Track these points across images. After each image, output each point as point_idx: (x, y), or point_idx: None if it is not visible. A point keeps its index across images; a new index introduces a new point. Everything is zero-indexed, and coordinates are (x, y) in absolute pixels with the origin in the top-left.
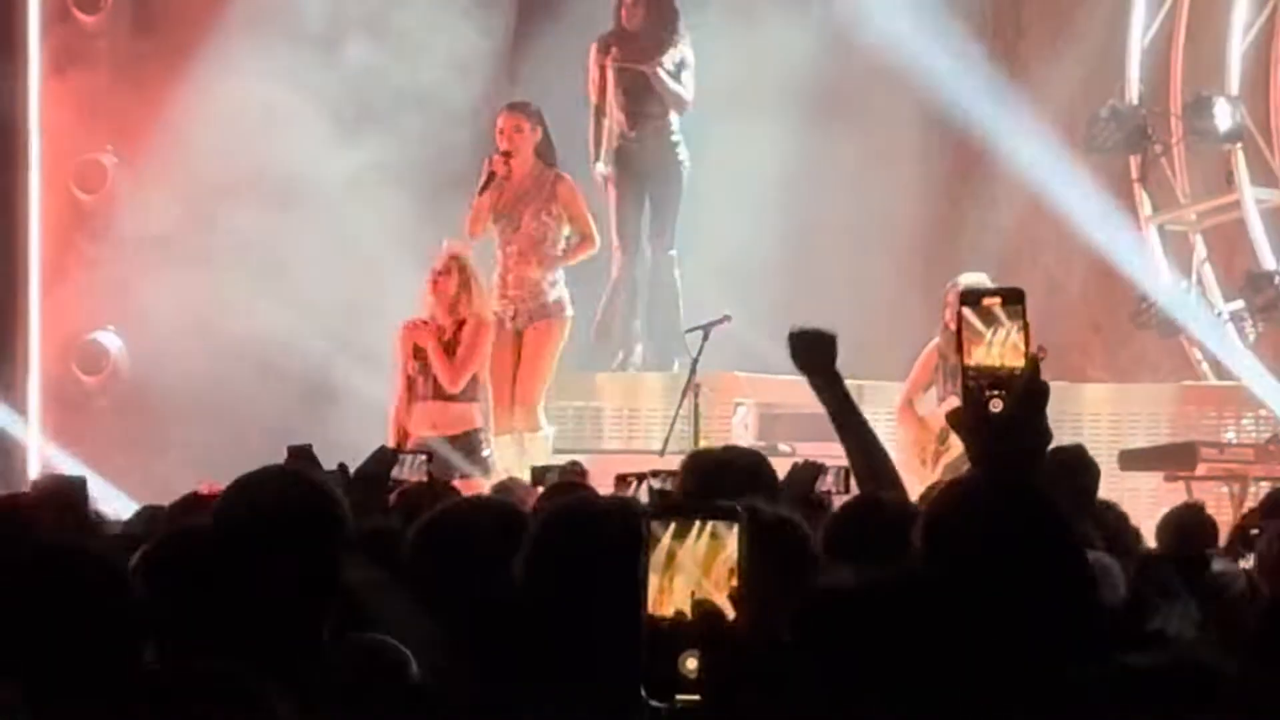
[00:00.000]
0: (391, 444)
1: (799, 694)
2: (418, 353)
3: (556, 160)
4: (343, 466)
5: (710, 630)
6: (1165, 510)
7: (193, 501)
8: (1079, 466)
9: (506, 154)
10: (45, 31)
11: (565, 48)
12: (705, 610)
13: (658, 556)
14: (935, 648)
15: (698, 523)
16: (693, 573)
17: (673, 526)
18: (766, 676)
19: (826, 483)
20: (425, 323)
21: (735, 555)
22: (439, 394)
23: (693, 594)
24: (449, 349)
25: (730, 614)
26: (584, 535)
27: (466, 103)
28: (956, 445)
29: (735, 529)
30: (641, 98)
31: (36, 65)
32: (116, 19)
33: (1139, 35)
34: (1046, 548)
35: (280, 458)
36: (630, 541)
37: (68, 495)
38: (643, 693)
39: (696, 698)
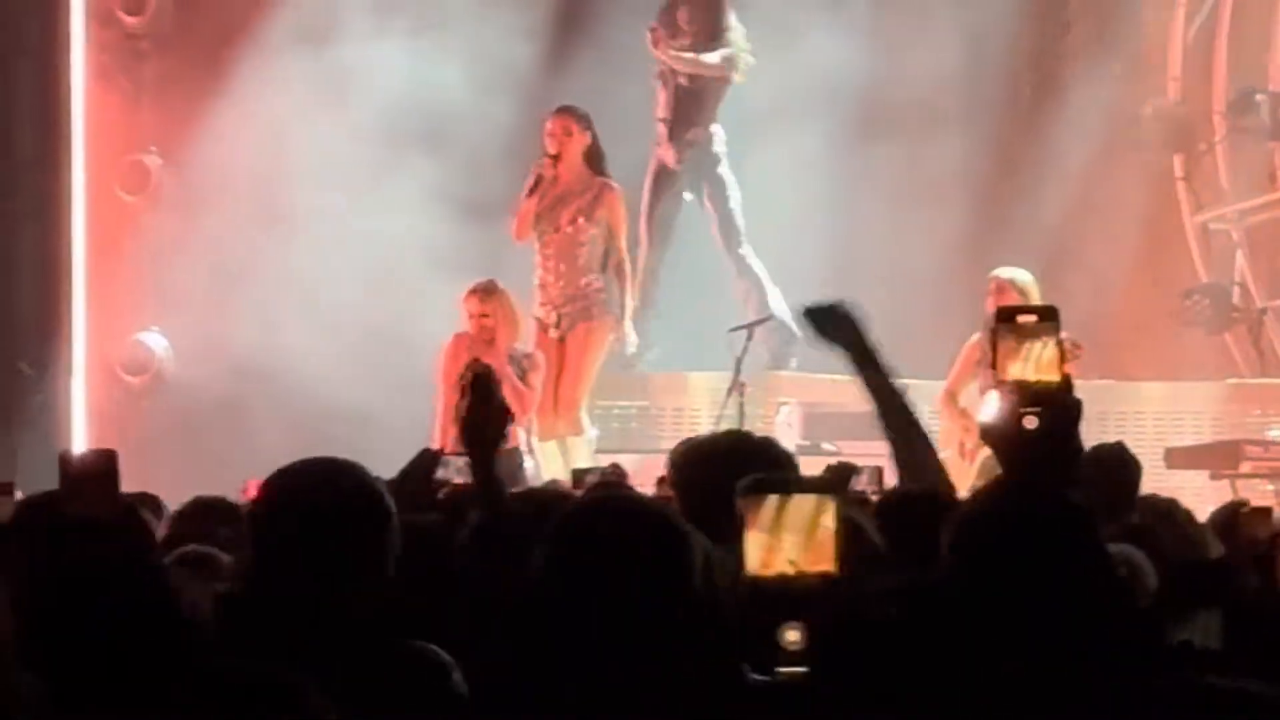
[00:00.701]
0: None
1: (907, 674)
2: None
3: (605, 168)
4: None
5: (818, 597)
6: (1211, 509)
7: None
8: (1119, 464)
9: (554, 157)
10: (89, 33)
11: (603, 69)
12: (811, 575)
13: (761, 522)
14: (959, 654)
15: (795, 497)
16: (794, 541)
17: (774, 499)
18: (871, 654)
19: (861, 482)
20: (472, 337)
21: (833, 528)
22: None
23: (792, 564)
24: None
25: (836, 581)
26: (602, 533)
27: (504, 124)
28: None
29: (832, 503)
30: (691, 104)
31: (80, 66)
32: (160, 20)
33: (1182, 33)
34: (1078, 560)
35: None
36: (655, 538)
37: (101, 470)
38: (743, 666)
39: (802, 669)
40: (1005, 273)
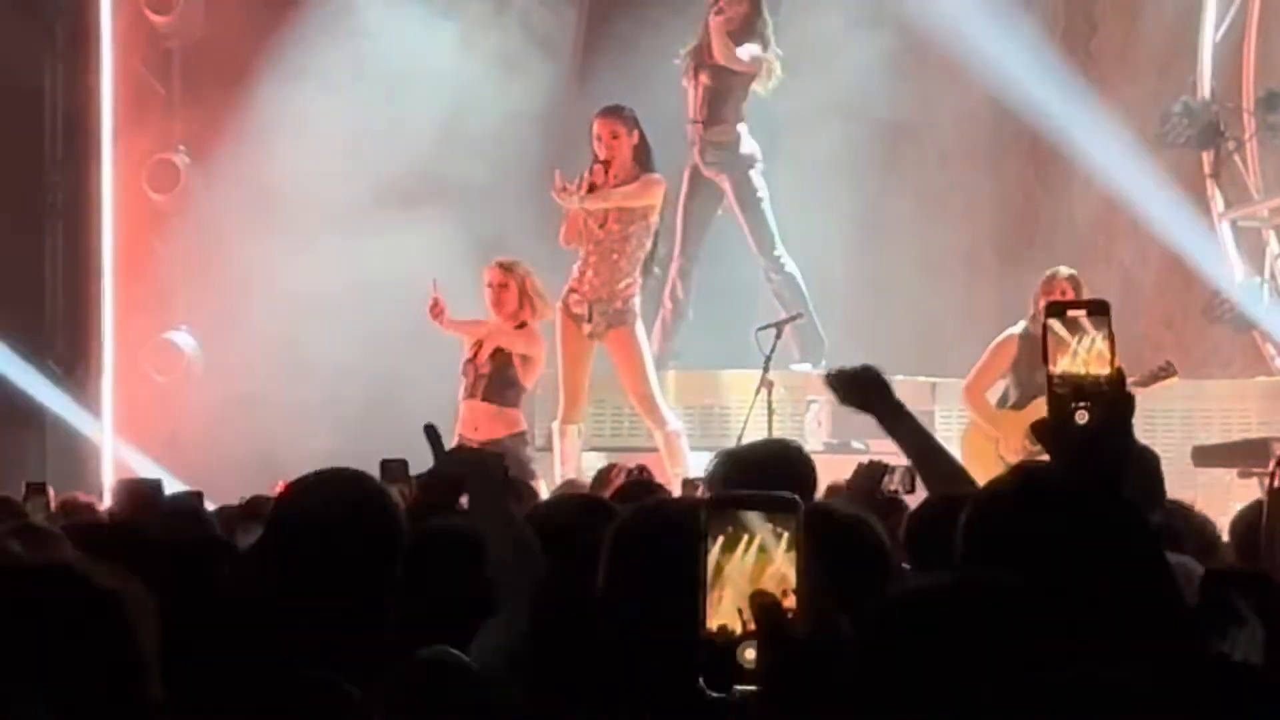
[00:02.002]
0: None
1: (859, 691)
2: (475, 355)
3: (654, 166)
4: (404, 463)
5: (769, 622)
6: (1239, 506)
7: (259, 503)
8: (1143, 460)
9: (606, 162)
10: (117, 32)
11: (628, 79)
12: (763, 602)
13: (713, 563)
14: (1012, 653)
15: (754, 523)
16: (745, 576)
17: (721, 539)
18: (825, 671)
19: (893, 481)
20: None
21: (793, 547)
22: (486, 395)
23: (753, 593)
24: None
25: (790, 606)
26: (661, 540)
27: (532, 122)
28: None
29: (793, 520)
30: (717, 103)
31: (109, 66)
32: (188, 20)
33: (1211, 30)
34: (1133, 556)
35: (353, 460)
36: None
37: (145, 497)
38: (700, 683)
39: (754, 688)
40: (1065, 270)
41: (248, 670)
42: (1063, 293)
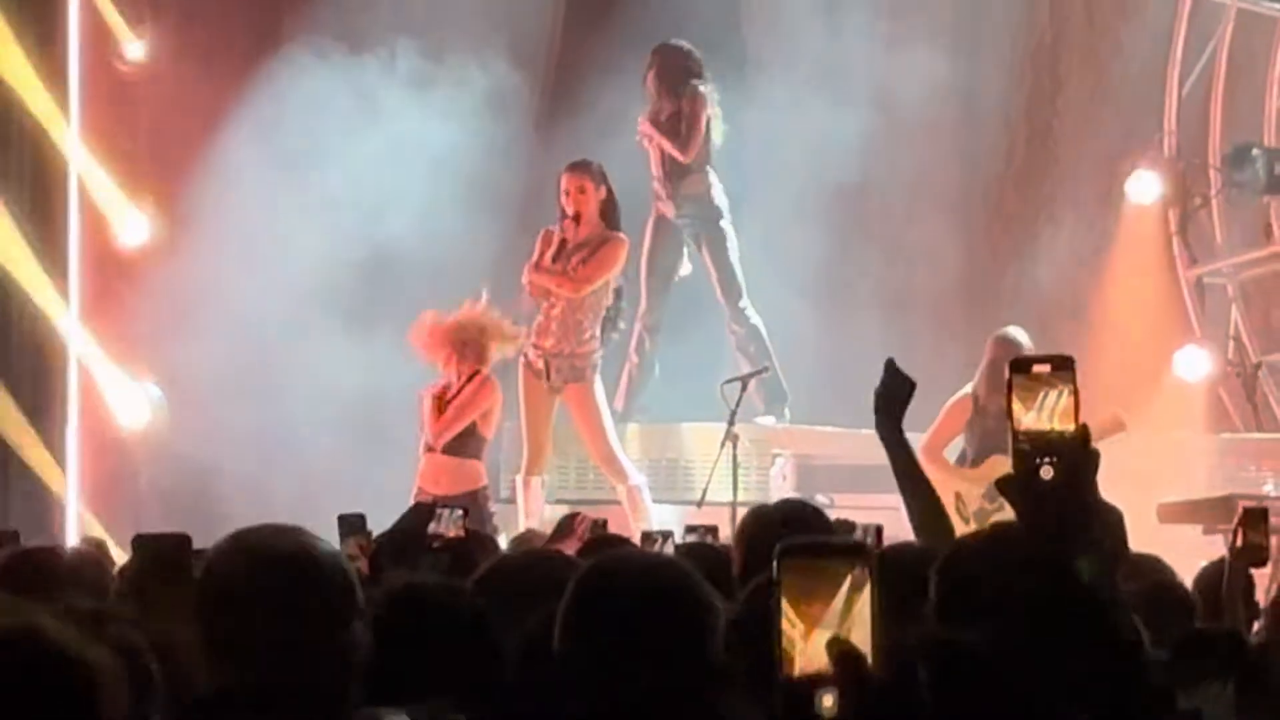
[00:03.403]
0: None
1: None
2: (434, 409)
3: (619, 223)
4: (361, 517)
5: (849, 667)
6: (1204, 563)
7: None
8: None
9: (575, 217)
10: (85, 80)
11: (589, 129)
12: (843, 649)
13: (788, 607)
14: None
15: (831, 575)
16: (823, 621)
17: (795, 584)
18: (904, 717)
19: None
20: (443, 386)
21: (867, 593)
22: (446, 448)
23: (830, 639)
24: (443, 406)
25: (869, 655)
26: (620, 594)
27: (498, 174)
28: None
29: (864, 565)
30: (676, 166)
31: (76, 114)
32: (156, 69)
33: (1177, 87)
34: (1096, 616)
35: (321, 515)
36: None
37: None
38: None
39: None
40: (1010, 331)
41: None
42: (999, 346)
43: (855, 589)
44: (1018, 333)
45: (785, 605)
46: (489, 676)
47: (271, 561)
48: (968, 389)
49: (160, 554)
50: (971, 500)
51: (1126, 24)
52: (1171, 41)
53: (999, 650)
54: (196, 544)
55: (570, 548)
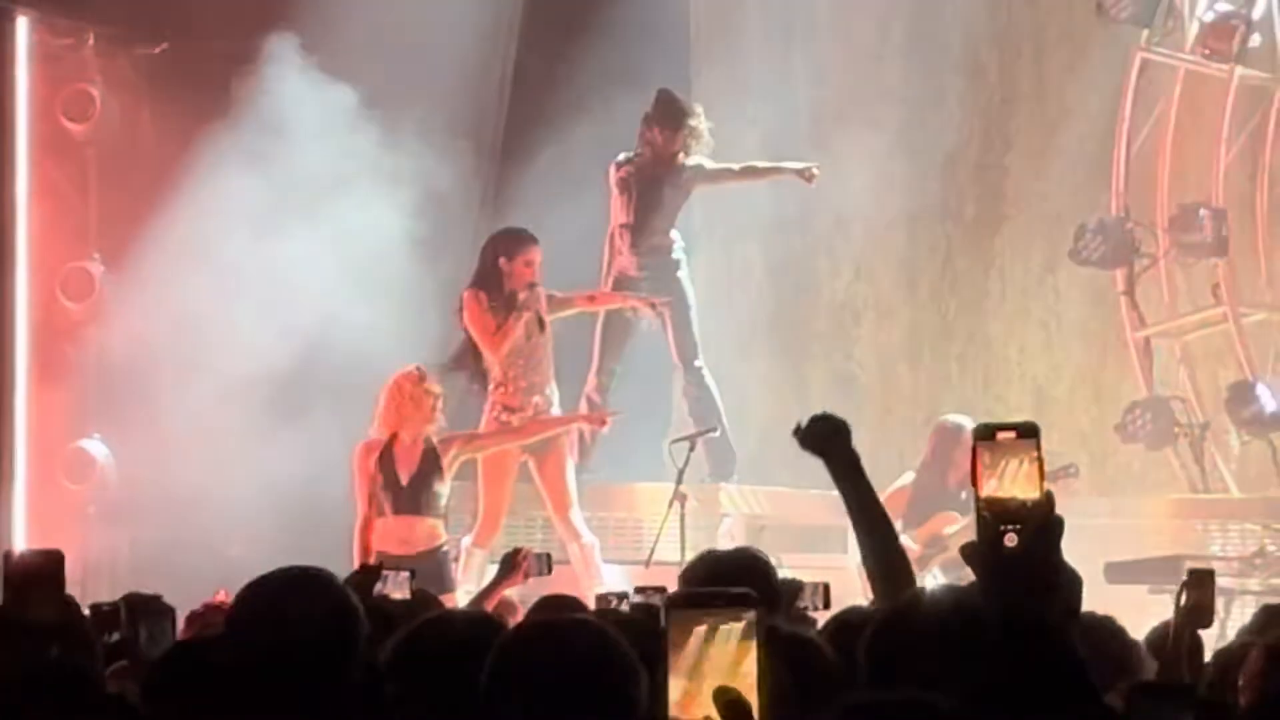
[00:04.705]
0: (357, 564)
1: None
2: (382, 467)
3: None
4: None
5: (733, 716)
6: (1152, 624)
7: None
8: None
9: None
10: (33, 139)
11: (542, 185)
12: (728, 698)
13: (683, 659)
14: None
15: (719, 625)
16: (710, 671)
17: (699, 629)
18: None
19: (804, 598)
20: (384, 443)
21: (753, 643)
22: (403, 509)
23: (716, 688)
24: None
25: (754, 705)
26: (548, 654)
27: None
28: (952, 549)
29: (752, 617)
30: (654, 205)
31: (24, 172)
32: (104, 127)
33: (1125, 147)
34: (1063, 686)
35: (271, 565)
36: (604, 658)
37: (47, 572)
38: None
39: None
40: (953, 419)
41: None
42: (943, 431)
43: (744, 639)
44: (962, 420)
45: (672, 655)
46: None
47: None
48: (905, 479)
49: (30, 570)
50: (912, 553)
51: (1076, 83)
52: (1120, 102)
53: (953, 711)
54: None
55: (514, 584)
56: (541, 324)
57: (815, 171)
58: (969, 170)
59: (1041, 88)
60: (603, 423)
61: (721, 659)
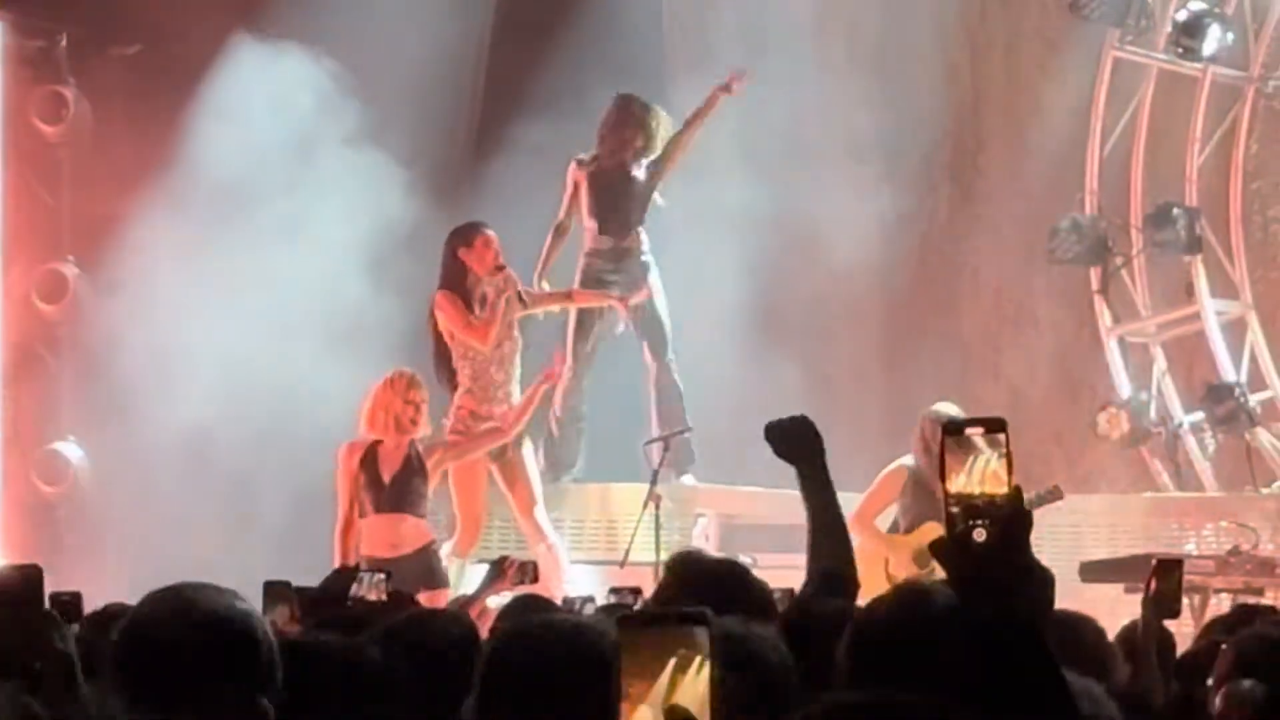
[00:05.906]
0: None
1: None
2: (365, 467)
3: None
4: (287, 584)
5: None
6: (1124, 622)
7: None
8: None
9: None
10: (6, 141)
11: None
12: (677, 716)
13: (632, 684)
14: None
15: (675, 648)
16: (663, 691)
17: (652, 652)
18: None
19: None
20: (367, 444)
21: (706, 661)
22: (385, 507)
23: (667, 707)
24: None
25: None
26: (537, 660)
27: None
28: (939, 570)
29: (705, 633)
30: (619, 205)
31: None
32: (78, 129)
33: (1098, 147)
34: (1032, 680)
35: (245, 570)
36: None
37: (23, 587)
38: None
39: None
40: (942, 408)
41: None
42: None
43: (698, 656)
44: (949, 408)
45: (625, 674)
46: None
47: (198, 617)
48: (904, 460)
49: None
50: (900, 567)
51: (1048, 83)
52: (1093, 101)
53: (925, 710)
54: (120, 599)
55: (500, 590)
56: (523, 300)
57: (736, 83)
58: (942, 170)
59: (1014, 87)
60: (559, 375)
61: (676, 679)
